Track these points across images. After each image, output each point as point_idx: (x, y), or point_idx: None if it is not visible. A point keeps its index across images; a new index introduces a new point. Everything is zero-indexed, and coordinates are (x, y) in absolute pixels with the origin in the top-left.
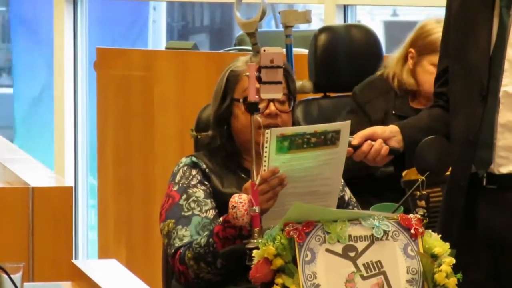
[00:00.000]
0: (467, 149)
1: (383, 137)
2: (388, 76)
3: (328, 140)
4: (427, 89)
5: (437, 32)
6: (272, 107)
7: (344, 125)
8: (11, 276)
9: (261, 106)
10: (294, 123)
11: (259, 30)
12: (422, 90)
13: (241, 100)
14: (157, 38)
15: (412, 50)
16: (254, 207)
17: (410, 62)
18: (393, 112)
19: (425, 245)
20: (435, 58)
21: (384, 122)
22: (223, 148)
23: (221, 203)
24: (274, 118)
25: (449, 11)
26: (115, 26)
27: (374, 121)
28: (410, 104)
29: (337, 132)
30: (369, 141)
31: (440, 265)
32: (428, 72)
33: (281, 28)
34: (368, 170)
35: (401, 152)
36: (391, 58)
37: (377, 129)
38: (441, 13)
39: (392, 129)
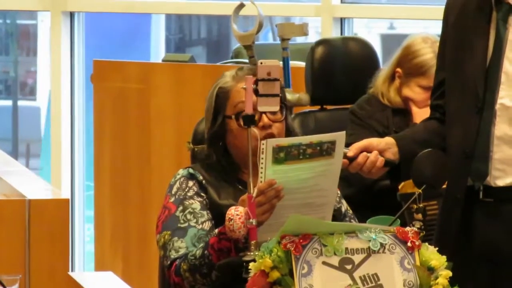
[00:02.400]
0: (463, 161)
1: (379, 148)
2: (377, 94)
3: (324, 151)
4: (415, 108)
5: (424, 54)
6: (265, 118)
7: (339, 136)
8: None
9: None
10: (290, 131)
11: (256, 42)
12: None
13: (233, 117)
14: (155, 51)
15: (399, 70)
16: (251, 220)
17: (397, 81)
18: (394, 129)
19: (422, 258)
20: (422, 81)
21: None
22: (220, 164)
23: (218, 215)
24: (268, 128)
25: (446, 24)
26: (114, 39)
27: (382, 134)
28: (410, 122)
29: (333, 143)
30: (364, 153)
31: (436, 278)
32: (415, 93)
33: (278, 41)
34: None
35: (396, 164)
36: (379, 76)
37: (373, 141)
38: (437, 24)
39: (387, 141)
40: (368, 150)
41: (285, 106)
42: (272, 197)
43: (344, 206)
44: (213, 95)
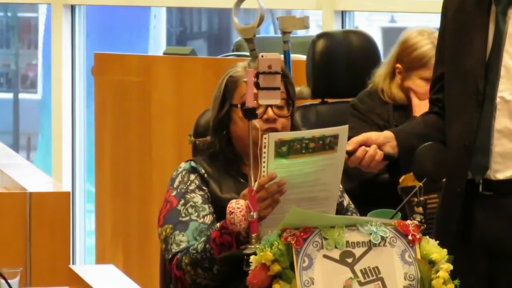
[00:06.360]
0: (463, 155)
1: (378, 142)
2: (377, 90)
3: (327, 145)
4: (416, 100)
5: (422, 46)
6: (270, 112)
7: (342, 130)
8: (9, 281)
9: (260, 111)
10: (295, 127)
11: (257, 36)
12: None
13: (239, 106)
14: (157, 44)
15: (399, 65)
16: (251, 213)
17: (398, 77)
18: (394, 123)
19: (423, 252)
20: (424, 73)
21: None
22: (223, 153)
23: (220, 208)
24: (272, 122)
25: (445, 17)
26: (116, 32)
27: (382, 128)
28: (411, 116)
29: (335, 137)
30: (363, 147)
31: (437, 271)
32: (418, 86)
33: (279, 34)
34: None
35: (395, 158)
36: (377, 73)
37: (372, 135)
38: (439, 18)
39: (386, 135)
40: (366, 144)
41: (292, 102)
42: (274, 192)
43: (346, 200)
44: (222, 83)
